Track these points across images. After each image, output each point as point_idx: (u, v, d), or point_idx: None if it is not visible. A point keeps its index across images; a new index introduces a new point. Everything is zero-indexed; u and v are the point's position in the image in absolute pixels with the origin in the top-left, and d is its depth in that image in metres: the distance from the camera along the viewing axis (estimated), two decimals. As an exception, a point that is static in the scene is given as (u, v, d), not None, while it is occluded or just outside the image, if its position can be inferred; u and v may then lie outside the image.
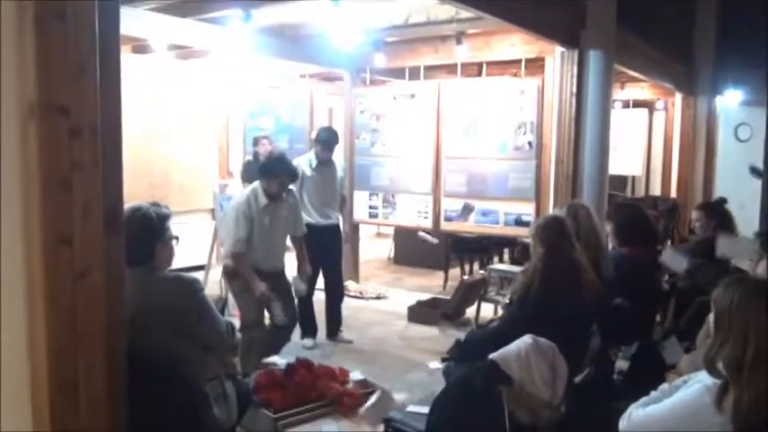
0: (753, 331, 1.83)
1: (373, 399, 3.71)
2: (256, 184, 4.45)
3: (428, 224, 6.99)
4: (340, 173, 5.55)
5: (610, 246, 4.08)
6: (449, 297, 6.38)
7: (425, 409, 2.77)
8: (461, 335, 4.12)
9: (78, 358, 1.73)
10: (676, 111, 10.00)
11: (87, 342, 1.75)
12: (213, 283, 6.14)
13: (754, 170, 7.30)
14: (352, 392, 3.78)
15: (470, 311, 6.18)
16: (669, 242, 8.50)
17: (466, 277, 6.99)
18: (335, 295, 5.61)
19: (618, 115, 9.12)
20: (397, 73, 7.71)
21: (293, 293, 4.60)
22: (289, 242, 4.78)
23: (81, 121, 1.71)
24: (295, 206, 4.71)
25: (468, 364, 2.99)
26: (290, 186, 4.62)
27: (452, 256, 7.74)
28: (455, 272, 7.72)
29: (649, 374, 3.10)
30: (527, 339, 2.48)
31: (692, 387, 1.94)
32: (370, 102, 7.30)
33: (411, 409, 3.24)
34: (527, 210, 6.26)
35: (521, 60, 6.53)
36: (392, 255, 9.22)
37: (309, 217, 5.27)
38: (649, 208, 8.01)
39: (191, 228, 6.42)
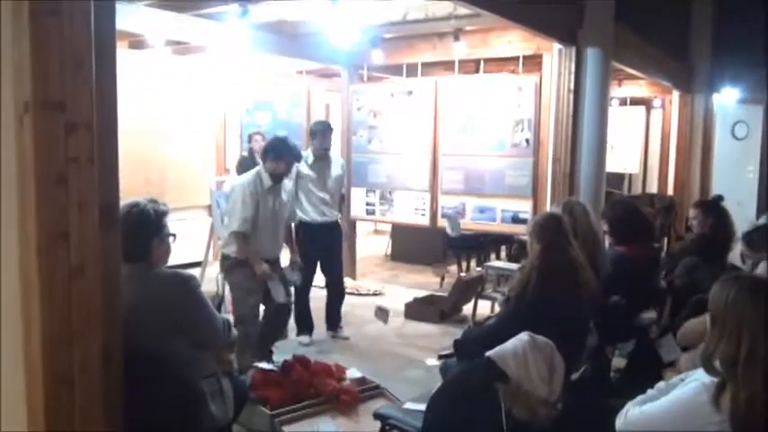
0: (747, 328, 1.83)
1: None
2: (259, 167, 4.53)
3: (425, 221, 6.99)
4: (338, 171, 5.51)
5: (606, 243, 4.09)
6: (446, 294, 6.38)
7: (422, 407, 2.76)
8: (458, 332, 4.12)
9: (74, 354, 1.73)
10: (673, 108, 10.01)
11: (83, 338, 1.74)
12: (210, 280, 6.14)
13: None
14: (348, 389, 3.78)
15: (467, 308, 6.19)
16: (666, 240, 8.53)
17: (463, 274, 6.99)
18: (336, 293, 5.60)
19: (615, 113, 9.13)
20: (395, 70, 7.70)
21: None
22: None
23: (77, 116, 1.70)
24: (292, 193, 4.83)
25: (466, 362, 2.99)
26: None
27: (449, 253, 7.74)
28: (452, 269, 7.73)
29: (646, 372, 3.11)
30: (524, 337, 2.47)
31: (689, 385, 1.94)
32: (368, 98, 7.29)
33: (408, 406, 3.23)
34: (524, 207, 6.26)
35: (518, 57, 6.52)
36: (389, 252, 9.23)
37: (305, 215, 5.29)
38: (646, 206, 8.03)
39: (187, 224, 6.41)
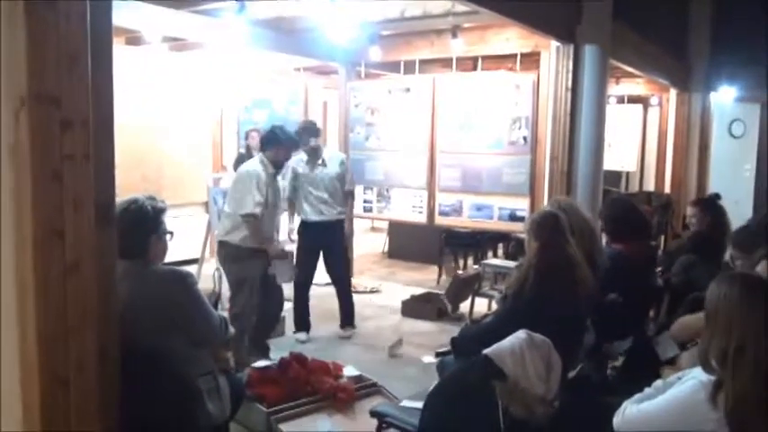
0: (737, 325, 1.84)
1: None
2: (260, 156, 4.64)
3: (422, 218, 6.98)
4: (336, 169, 5.42)
5: (603, 241, 4.09)
6: (443, 292, 6.37)
7: (419, 404, 2.76)
8: (455, 330, 4.12)
9: (69, 352, 1.72)
10: (671, 106, 10.00)
11: (78, 336, 1.74)
12: (206, 277, 6.11)
13: None
14: (345, 387, 3.78)
15: (464, 306, 6.19)
16: (663, 238, 8.54)
17: (460, 272, 6.99)
18: (340, 292, 5.60)
19: (612, 111, 9.13)
20: (393, 67, 7.70)
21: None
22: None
23: (72, 112, 1.69)
24: (284, 184, 5.14)
25: (463, 360, 2.99)
26: None
27: (446, 251, 7.74)
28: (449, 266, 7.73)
29: (643, 370, 3.11)
30: (521, 334, 2.47)
31: (686, 383, 1.94)
32: (365, 95, 7.28)
33: (405, 403, 3.22)
34: (521, 205, 6.27)
35: (516, 55, 6.52)
36: (386, 249, 9.22)
37: (304, 214, 5.36)
38: (643, 203, 8.04)
39: (184, 221, 6.40)
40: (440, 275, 7.55)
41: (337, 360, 4.23)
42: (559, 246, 3.18)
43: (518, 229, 6.07)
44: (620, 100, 11.15)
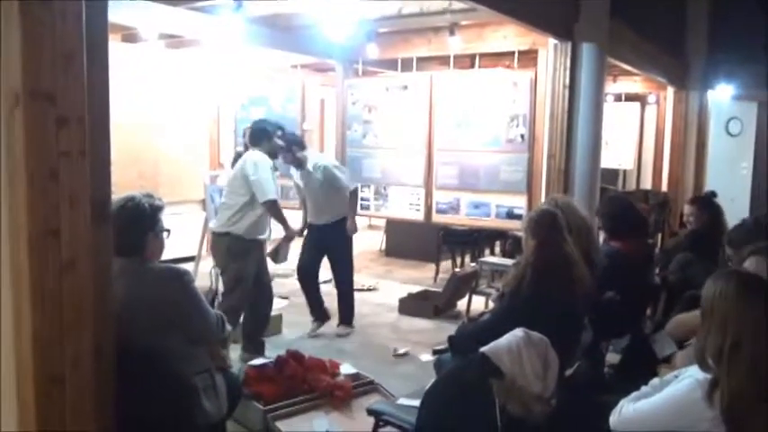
0: (732, 322, 1.84)
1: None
2: (259, 149, 4.75)
3: (420, 216, 6.98)
4: (319, 176, 5.25)
5: (600, 239, 4.09)
6: (440, 290, 6.37)
7: (416, 402, 2.76)
8: (452, 328, 4.12)
9: (65, 351, 1.71)
10: (668, 104, 10.01)
11: (74, 334, 1.73)
12: (203, 275, 6.11)
13: None
14: (342, 385, 3.78)
15: (461, 304, 6.18)
16: (660, 236, 8.55)
17: (457, 270, 6.99)
18: (339, 292, 5.60)
19: (610, 109, 9.13)
20: (390, 64, 7.68)
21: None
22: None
23: (68, 109, 1.69)
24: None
25: (460, 357, 2.98)
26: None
27: (444, 249, 7.74)
28: (446, 264, 7.73)
29: (640, 368, 3.11)
30: (519, 332, 2.46)
31: (683, 382, 1.94)
32: (363, 93, 7.27)
33: (402, 401, 3.22)
34: (519, 203, 6.26)
35: (514, 52, 6.51)
36: (383, 247, 9.21)
37: (308, 216, 5.55)
38: (640, 201, 8.06)
39: (180, 218, 6.38)
40: (437, 273, 7.55)
41: (334, 358, 4.23)
42: (557, 244, 3.18)
43: (515, 226, 6.07)
44: (618, 98, 11.14)
